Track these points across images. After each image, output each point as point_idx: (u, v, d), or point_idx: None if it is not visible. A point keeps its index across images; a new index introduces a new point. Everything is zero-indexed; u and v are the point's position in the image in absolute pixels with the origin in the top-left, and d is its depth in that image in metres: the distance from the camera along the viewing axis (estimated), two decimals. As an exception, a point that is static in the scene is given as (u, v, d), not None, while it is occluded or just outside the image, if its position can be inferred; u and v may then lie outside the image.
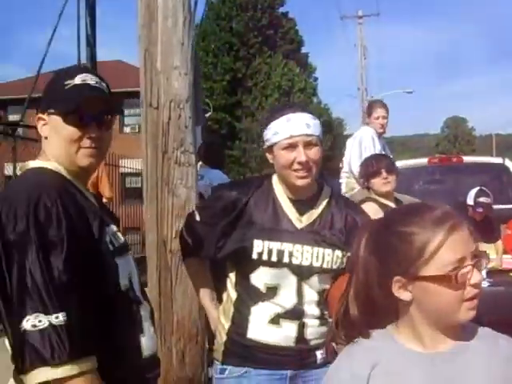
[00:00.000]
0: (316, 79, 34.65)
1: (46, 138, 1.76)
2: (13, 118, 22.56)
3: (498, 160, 7.63)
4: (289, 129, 2.18)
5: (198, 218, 2.38)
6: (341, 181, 5.72)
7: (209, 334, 3.25)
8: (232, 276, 2.33)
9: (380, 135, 5.61)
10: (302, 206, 2.27)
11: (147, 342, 1.74)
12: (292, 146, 2.17)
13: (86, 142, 1.71)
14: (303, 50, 34.19)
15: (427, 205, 1.36)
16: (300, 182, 2.21)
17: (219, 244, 2.28)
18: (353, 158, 5.47)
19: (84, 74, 1.75)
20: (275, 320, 2.22)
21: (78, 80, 1.72)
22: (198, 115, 4.22)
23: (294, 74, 30.64)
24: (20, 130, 10.19)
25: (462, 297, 1.27)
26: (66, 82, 1.72)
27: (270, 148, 2.26)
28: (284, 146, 2.19)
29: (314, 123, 2.23)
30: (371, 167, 3.88)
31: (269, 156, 2.30)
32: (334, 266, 2.23)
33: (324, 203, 2.31)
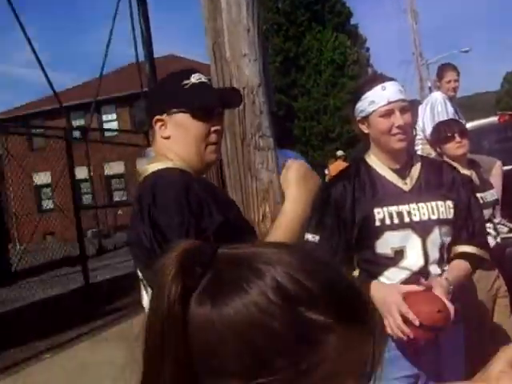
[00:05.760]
0: (368, 49, 34.20)
1: (166, 138, 1.83)
2: (75, 123, 23.11)
3: None
4: (386, 96, 2.32)
5: (316, 239, 2.40)
6: (416, 148, 5.67)
7: None
8: (355, 255, 2.39)
9: (451, 98, 5.52)
10: (402, 171, 2.42)
11: None
12: (389, 112, 2.31)
13: (213, 137, 1.83)
14: (352, 21, 33.74)
15: None
16: (399, 145, 2.35)
17: (350, 233, 2.36)
18: (426, 124, 5.41)
19: (197, 74, 1.86)
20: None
21: (193, 79, 1.83)
22: (270, 99, 4.26)
23: (345, 46, 30.29)
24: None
25: None
26: (184, 82, 1.81)
27: (365, 118, 2.39)
28: (382, 112, 2.33)
29: (403, 90, 2.38)
30: (443, 132, 3.86)
31: (362, 126, 2.44)
32: (449, 216, 2.37)
33: (419, 165, 2.46)
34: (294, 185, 1.89)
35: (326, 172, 15.87)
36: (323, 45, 30.06)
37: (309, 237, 2.43)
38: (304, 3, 30.62)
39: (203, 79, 1.87)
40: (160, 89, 1.94)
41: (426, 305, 2.09)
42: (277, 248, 0.77)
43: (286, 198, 1.90)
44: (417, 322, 2.03)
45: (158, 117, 1.83)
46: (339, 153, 15.51)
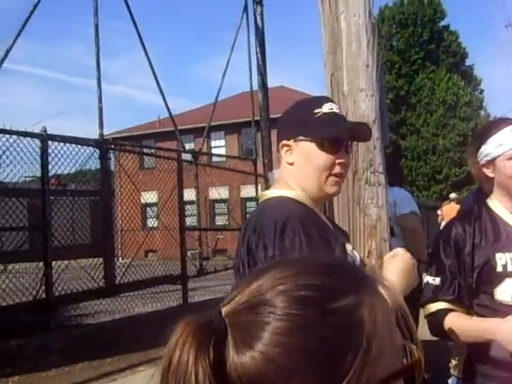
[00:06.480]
0: (482, 91, 33.39)
1: (290, 164, 1.84)
2: (187, 146, 23.82)
3: None
4: None
5: (437, 281, 2.35)
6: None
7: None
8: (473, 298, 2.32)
9: None
10: None
11: None
12: None
13: (337, 169, 1.78)
14: (467, 62, 33.13)
15: None
16: None
17: (469, 277, 2.29)
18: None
19: (329, 103, 1.84)
20: None
21: (325, 109, 1.80)
22: (385, 135, 4.26)
23: (458, 87, 29.75)
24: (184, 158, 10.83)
25: None
26: (316, 111, 1.79)
27: (491, 162, 2.30)
28: (510, 155, 2.23)
29: None
30: None
31: (486, 170, 2.33)
32: None
33: None
34: (396, 274, 1.86)
35: (439, 213, 15.82)
36: (436, 84, 29.68)
37: (429, 279, 2.37)
38: (419, 42, 30.42)
39: (335, 109, 1.83)
40: (290, 114, 1.91)
41: None
42: (263, 273, 0.72)
43: None
44: None
45: (284, 142, 1.84)
46: (452, 195, 15.51)
